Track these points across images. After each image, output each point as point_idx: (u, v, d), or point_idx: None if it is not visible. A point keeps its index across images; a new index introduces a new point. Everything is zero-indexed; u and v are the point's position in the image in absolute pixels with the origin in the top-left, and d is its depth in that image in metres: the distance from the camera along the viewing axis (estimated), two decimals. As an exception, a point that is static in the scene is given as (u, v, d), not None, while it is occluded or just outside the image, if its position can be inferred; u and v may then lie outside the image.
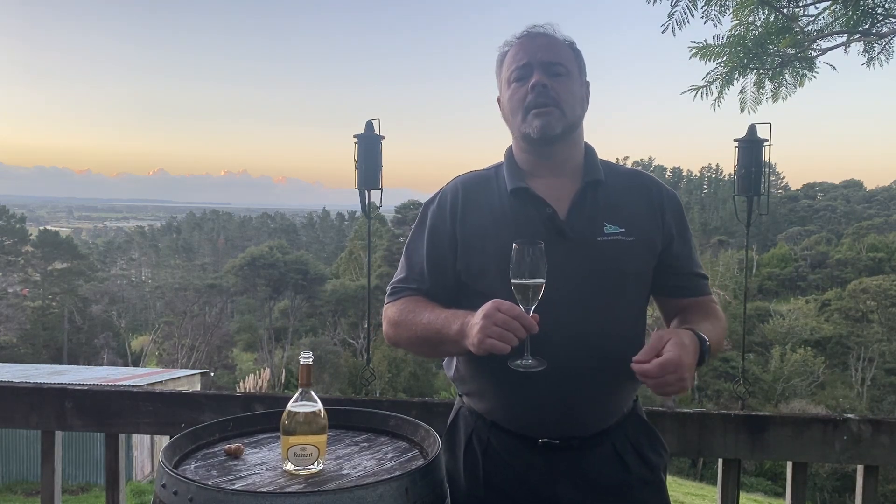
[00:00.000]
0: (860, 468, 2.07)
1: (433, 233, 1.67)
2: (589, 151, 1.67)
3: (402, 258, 1.74)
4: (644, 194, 1.65)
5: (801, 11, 4.53)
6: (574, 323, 1.53)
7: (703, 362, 1.47)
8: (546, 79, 1.55)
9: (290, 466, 1.41)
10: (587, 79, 1.66)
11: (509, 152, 1.69)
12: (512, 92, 1.59)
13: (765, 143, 4.47)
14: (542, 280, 1.40)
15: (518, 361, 1.43)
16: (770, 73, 4.48)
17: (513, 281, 1.41)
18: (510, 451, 1.59)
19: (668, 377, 1.36)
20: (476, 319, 1.40)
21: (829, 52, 4.44)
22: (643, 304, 1.67)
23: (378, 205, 4.76)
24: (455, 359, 1.70)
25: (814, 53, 4.47)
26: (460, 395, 1.74)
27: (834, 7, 4.39)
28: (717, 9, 4.35)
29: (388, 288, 1.73)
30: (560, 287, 1.50)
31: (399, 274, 1.72)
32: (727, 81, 4.47)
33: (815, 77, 4.48)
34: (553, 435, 1.56)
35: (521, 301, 1.40)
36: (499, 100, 1.68)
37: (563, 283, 1.51)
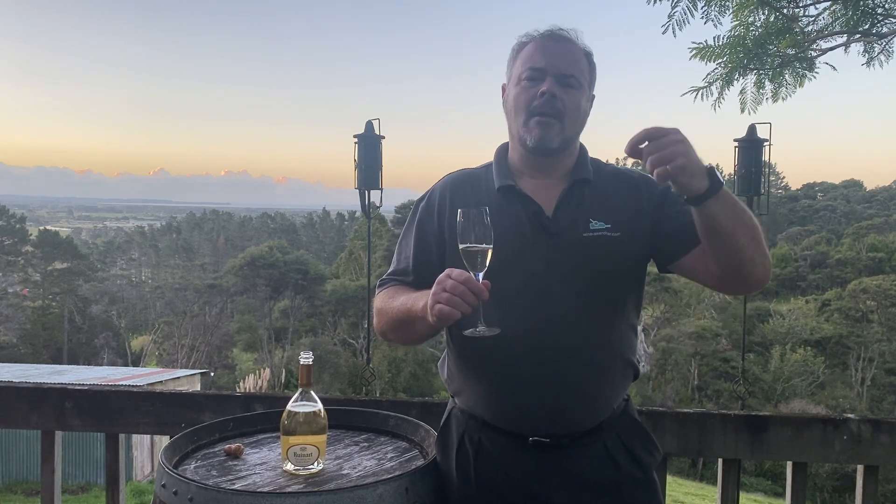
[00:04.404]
0: (860, 468, 2.07)
1: (421, 229, 1.69)
2: (580, 150, 1.67)
3: (394, 254, 1.77)
4: (632, 189, 1.64)
5: (801, 12, 4.53)
6: (561, 318, 1.52)
7: (718, 189, 1.32)
8: (557, 88, 1.54)
9: (290, 466, 1.41)
10: (594, 93, 1.65)
11: (500, 150, 1.70)
12: (520, 90, 1.58)
13: (765, 143, 4.49)
14: (490, 245, 1.40)
15: (470, 330, 1.42)
16: (770, 73, 4.48)
17: (460, 246, 1.41)
18: (501, 449, 1.59)
19: (664, 140, 1.26)
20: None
21: (829, 53, 4.45)
22: (631, 300, 1.64)
23: (378, 205, 4.78)
24: (447, 360, 1.72)
25: (814, 54, 4.48)
26: (452, 396, 1.74)
27: (834, 7, 4.39)
28: (717, 9, 4.36)
29: (377, 282, 1.75)
30: (546, 283, 1.51)
31: (389, 269, 1.74)
32: (727, 82, 4.47)
33: (815, 77, 4.49)
34: (543, 433, 1.56)
35: (470, 267, 1.39)
36: (504, 88, 1.66)
37: (549, 279, 1.52)
